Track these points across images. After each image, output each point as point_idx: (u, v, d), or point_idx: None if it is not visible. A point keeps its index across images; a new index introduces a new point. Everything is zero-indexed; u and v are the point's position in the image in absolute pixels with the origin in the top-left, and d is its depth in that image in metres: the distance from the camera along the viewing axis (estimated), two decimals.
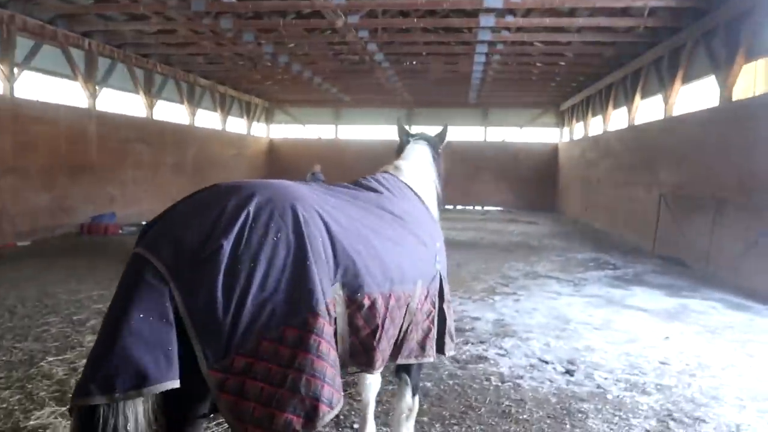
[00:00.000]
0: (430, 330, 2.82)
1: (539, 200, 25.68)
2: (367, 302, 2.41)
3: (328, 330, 2.14)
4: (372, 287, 2.43)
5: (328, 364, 2.09)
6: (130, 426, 1.93)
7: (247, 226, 2.07)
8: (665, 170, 13.02)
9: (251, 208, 2.12)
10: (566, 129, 25.11)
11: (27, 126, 12.22)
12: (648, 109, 15.42)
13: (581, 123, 22.19)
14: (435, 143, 3.88)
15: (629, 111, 16.09)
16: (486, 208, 26.34)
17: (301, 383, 2.02)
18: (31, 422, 3.84)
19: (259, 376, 1.99)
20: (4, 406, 4.12)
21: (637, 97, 15.59)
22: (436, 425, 4.05)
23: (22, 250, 11.22)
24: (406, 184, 3.30)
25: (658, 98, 14.00)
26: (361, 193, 2.90)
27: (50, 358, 5.09)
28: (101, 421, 1.90)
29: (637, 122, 15.67)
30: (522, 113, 26.65)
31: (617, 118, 17.81)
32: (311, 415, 2.03)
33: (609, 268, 10.92)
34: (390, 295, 2.53)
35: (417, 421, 4.06)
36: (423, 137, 3.86)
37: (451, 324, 2.95)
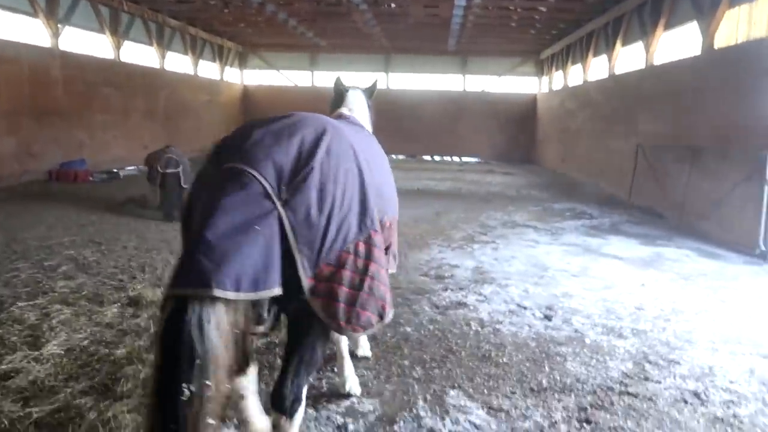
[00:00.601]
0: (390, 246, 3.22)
1: (518, 152, 25.70)
2: (387, 224, 2.89)
3: (380, 243, 2.51)
4: (389, 212, 2.97)
5: (385, 272, 2.54)
6: (215, 327, 2.02)
7: (326, 155, 2.37)
8: (644, 120, 13.05)
9: (327, 139, 2.41)
10: (545, 78, 24.93)
11: None
12: (628, 58, 15.32)
13: (560, 72, 22.02)
14: (369, 94, 4.43)
15: (609, 59, 15.96)
16: (464, 159, 26.30)
17: (374, 288, 2.42)
18: (3, 366, 3.76)
19: (344, 282, 2.34)
20: None
21: (618, 44, 15.44)
22: (417, 368, 4.08)
23: None
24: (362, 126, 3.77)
25: (639, 46, 13.89)
26: (359, 131, 3.37)
27: (21, 304, 4.97)
28: (195, 317, 1.99)
29: (618, 71, 15.58)
30: (501, 62, 26.31)
31: (597, 67, 17.69)
32: (381, 314, 2.47)
33: (586, 217, 11.03)
34: (394, 218, 3.13)
35: (398, 365, 4.10)
36: (359, 88, 4.33)
37: (395, 247, 3.31)
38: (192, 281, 2.02)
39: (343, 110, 4.00)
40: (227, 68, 25.67)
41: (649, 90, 12.86)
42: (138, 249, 7.21)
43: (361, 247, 2.41)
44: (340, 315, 2.34)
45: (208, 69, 24.04)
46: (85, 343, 4.23)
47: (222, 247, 2.05)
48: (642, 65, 13.53)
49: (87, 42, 16.01)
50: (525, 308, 5.49)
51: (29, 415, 3.18)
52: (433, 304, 5.54)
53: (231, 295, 2.02)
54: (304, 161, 2.31)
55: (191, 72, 22.07)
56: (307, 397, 3.57)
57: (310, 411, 3.43)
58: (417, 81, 27.06)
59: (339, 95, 4.23)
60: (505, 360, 4.27)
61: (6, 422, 3.08)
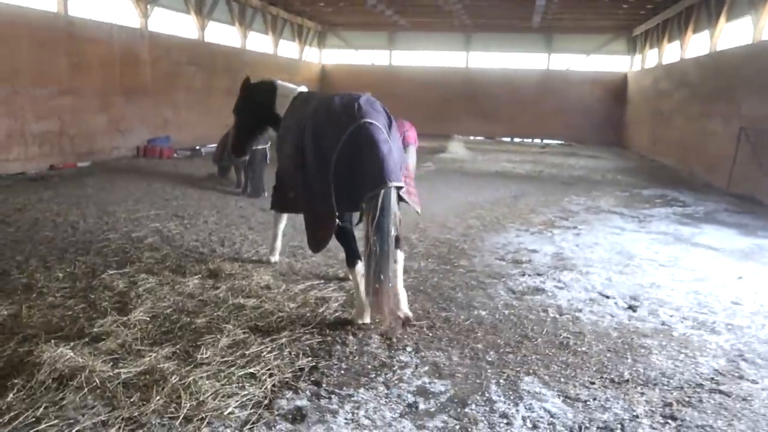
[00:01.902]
0: None
1: (604, 134, 24.65)
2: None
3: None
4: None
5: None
6: (396, 198, 4.20)
7: (388, 121, 4.40)
8: (748, 101, 12.14)
9: (387, 112, 4.49)
10: (638, 56, 23.68)
11: (81, 46, 12.40)
12: (733, 34, 14.26)
13: (655, 50, 20.84)
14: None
15: (711, 36, 14.93)
16: (545, 141, 25.55)
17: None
18: (95, 329, 4.05)
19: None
20: (70, 313, 4.36)
21: (722, 19, 14.40)
22: (491, 352, 4.04)
23: (83, 170, 11.67)
24: None
25: (747, 21, 12.89)
26: None
27: (111, 272, 5.32)
28: (394, 193, 4.11)
29: (720, 48, 14.56)
30: (590, 39, 25.21)
31: (696, 44, 16.60)
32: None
33: (678, 205, 10.48)
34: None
35: (471, 347, 4.08)
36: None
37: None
38: (393, 178, 4.01)
39: (302, 88, 5.42)
40: (306, 48, 26.12)
41: (756, 69, 11.93)
42: (218, 224, 7.53)
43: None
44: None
45: (288, 49, 24.56)
46: (169, 311, 4.49)
47: (390, 161, 4.09)
48: (749, 41, 12.56)
49: (173, 22, 16.74)
50: (607, 297, 5.30)
51: (118, 376, 3.41)
52: (509, 288, 5.46)
53: (399, 184, 4.11)
54: (388, 119, 4.42)
55: (271, 52, 22.62)
56: (377, 375, 3.63)
57: (381, 388, 3.48)
58: (498, 60, 26.46)
59: (269, 85, 5.42)
60: (584, 349, 4.15)
61: (98, 381, 3.32)
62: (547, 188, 12.14)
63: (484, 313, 4.81)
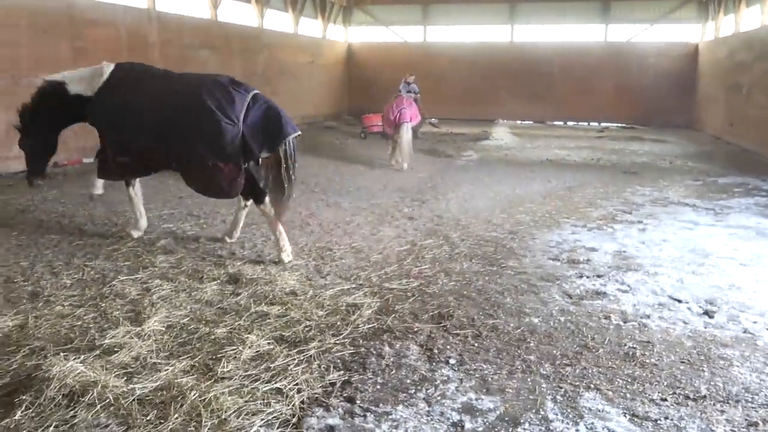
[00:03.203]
0: None
1: (671, 114, 24.12)
2: None
3: None
4: None
5: None
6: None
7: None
8: None
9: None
10: (710, 24, 23.10)
11: (84, 30, 12.71)
12: None
13: (731, 16, 20.29)
14: None
15: None
16: (603, 124, 25.14)
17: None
18: (107, 341, 4.16)
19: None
20: (80, 323, 4.50)
21: None
22: (545, 364, 4.02)
23: (88, 167, 11.96)
24: None
25: None
26: None
27: (122, 278, 5.46)
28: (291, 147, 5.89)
29: None
30: (653, 6, 24.67)
31: None
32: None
33: (760, 194, 10.22)
34: None
35: (523, 359, 4.06)
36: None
37: None
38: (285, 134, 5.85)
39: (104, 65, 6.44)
40: (330, 25, 26.24)
41: None
42: None
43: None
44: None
45: (310, 26, 24.70)
46: (186, 320, 4.59)
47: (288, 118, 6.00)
48: None
49: (183, 1, 17.01)
50: (679, 301, 5.21)
51: (132, 392, 3.50)
52: (564, 292, 5.42)
53: (294, 134, 5.99)
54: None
55: (291, 31, 22.80)
56: (417, 390, 3.65)
57: (422, 405, 3.50)
58: (547, 33, 26.11)
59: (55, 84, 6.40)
60: (653, 361, 4.09)
61: (111, 397, 3.41)
62: (607, 178, 11.97)
63: (536, 320, 4.78)
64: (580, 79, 24.87)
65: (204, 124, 5.64)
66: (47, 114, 6.43)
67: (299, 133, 5.97)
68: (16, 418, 3.23)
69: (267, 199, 6.08)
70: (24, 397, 3.39)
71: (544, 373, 3.92)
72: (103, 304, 4.85)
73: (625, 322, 4.75)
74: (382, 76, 24.20)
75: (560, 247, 6.90)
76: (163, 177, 10.71)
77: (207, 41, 17.17)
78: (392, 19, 27.49)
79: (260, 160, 6.00)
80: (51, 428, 3.15)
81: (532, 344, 4.33)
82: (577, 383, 3.78)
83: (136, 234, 6.82)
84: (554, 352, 4.22)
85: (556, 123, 25.77)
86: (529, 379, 3.83)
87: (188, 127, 5.73)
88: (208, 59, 17.19)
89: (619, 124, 24.82)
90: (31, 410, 3.30)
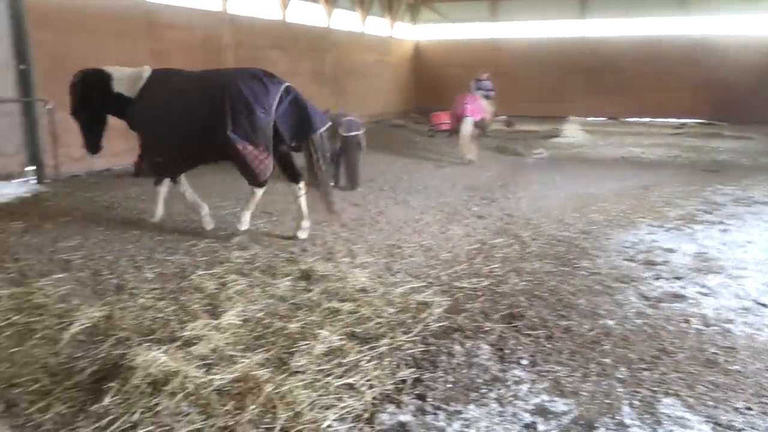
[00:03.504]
0: None
1: (755, 109, 22.95)
2: None
3: None
4: None
5: None
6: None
7: None
8: None
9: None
10: None
11: (162, 33, 13.21)
12: None
13: None
14: None
15: None
16: (681, 120, 24.20)
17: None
18: (187, 333, 4.33)
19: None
20: (161, 315, 4.70)
21: None
22: (622, 368, 3.93)
23: None
24: None
25: None
26: None
27: (200, 272, 5.67)
28: (321, 139, 6.67)
29: None
30: None
31: None
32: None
33: None
34: None
35: (597, 362, 3.99)
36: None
37: None
38: (314, 128, 6.51)
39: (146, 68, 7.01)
40: (398, 23, 26.31)
41: None
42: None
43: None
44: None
45: (377, 25, 24.85)
46: (260, 314, 4.72)
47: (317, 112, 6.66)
48: None
49: (254, 3, 17.41)
50: (765, 306, 4.99)
51: (211, 382, 3.63)
52: (641, 294, 5.27)
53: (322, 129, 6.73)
54: None
55: (359, 30, 23.00)
56: (489, 390, 3.64)
57: (493, 405, 3.49)
58: (621, 27, 25.33)
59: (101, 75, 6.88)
60: (737, 367, 3.94)
61: (191, 387, 3.55)
62: (685, 176, 11.56)
63: (611, 322, 4.67)
64: (656, 73, 24.01)
65: (241, 113, 6.11)
66: (91, 97, 6.88)
67: (329, 125, 6.61)
68: (105, 403, 3.41)
69: (302, 181, 6.78)
70: (111, 385, 3.56)
71: (620, 377, 3.83)
72: (183, 298, 5.05)
73: (706, 327, 4.59)
74: (449, 73, 24.12)
75: (636, 247, 6.72)
76: (236, 173, 11.05)
77: (277, 42, 17.54)
78: (460, 16, 27.29)
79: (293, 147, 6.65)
80: (136, 415, 3.31)
81: (607, 347, 4.24)
82: (656, 388, 3.68)
83: (153, 220, 7.46)
84: (631, 355, 4.12)
85: (630, 120, 24.99)
86: (604, 383, 3.75)
87: (226, 116, 6.13)
88: (278, 59, 17.55)
89: (698, 120, 23.84)
90: (118, 397, 3.47)
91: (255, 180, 6.56)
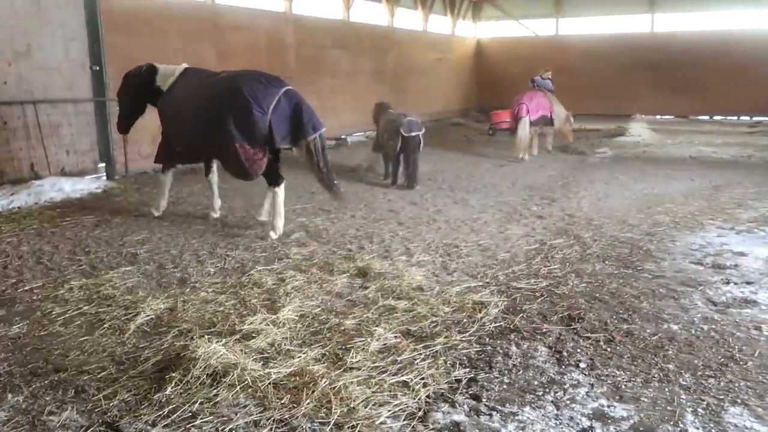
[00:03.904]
0: None
1: None
2: None
3: None
4: None
5: None
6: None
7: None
8: None
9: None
10: None
11: (227, 34, 13.53)
12: None
13: None
14: None
15: None
16: (756, 118, 23.16)
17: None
18: (246, 326, 4.43)
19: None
20: (221, 309, 4.82)
21: None
22: (686, 374, 3.80)
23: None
24: None
25: None
26: None
27: (259, 268, 5.79)
28: (318, 142, 6.78)
29: None
30: None
31: None
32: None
33: None
34: None
35: (660, 367, 3.87)
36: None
37: None
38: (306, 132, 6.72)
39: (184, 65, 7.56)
40: (459, 21, 26.16)
41: None
42: (366, 219, 7.85)
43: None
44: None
45: (439, 23, 24.78)
46: (317, 310, 4.78)
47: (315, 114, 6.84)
48: None
49: (317, 3, 17.64)
50: None
51: (268, 375, 3.70)
52: (708, 299, 5.08)
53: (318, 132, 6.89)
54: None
55: (420, 28, 22.98)
56: (546, 393, 3.57)
57: (550, 408, 3.43)
58: (692, 22, 24.43)
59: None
60: None
61: (249, 379, 3.63)
62: (759, 177, 11.05)
63: (676, 327, 4.52)
64: (730, 70, 23.01)
65: (239, 111, 6.41)
66: (138, 87, 7.54)
67: (324, 129, 6.74)
68: (167, 393, 3.52)
69: (282, 184, 6.96)
70: (173, 375, 3.68)
71: (684, 383, 3.70)
72: (242, 292, 5.16)
73: None
74: (511, 71, 23.79)
75: (704, 250, 6.47)
76: (296, 174, 11.25)
77: (339, 41, 17.69)
78: (523, 12, 26.88)
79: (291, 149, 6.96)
80: (197, 405, 3.40)
81: (670, 352, 4.10)
82: (722, 396, 3.54)
83: (156, 213, 7.77)
84: (696, 362, 3.97)
85: (700, 118, 24.09)
86: (666, 389, 3.63)
87: (227, 113, 6.47)
88: (339, 59, 17.73)
89: None
90: (179, 387, 3.58)
91: (246, 177, 6.85)
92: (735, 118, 23.67)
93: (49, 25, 9.56)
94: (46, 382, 3.71)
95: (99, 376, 3.78)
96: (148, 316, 4.67)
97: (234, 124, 6.43)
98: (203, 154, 7.33)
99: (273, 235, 6.81)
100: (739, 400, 3.50)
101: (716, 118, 23.93)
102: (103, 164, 10.68)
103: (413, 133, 9.71)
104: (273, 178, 6.95)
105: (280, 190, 6.90)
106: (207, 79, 7.07)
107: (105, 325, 4.53)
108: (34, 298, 5.08)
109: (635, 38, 24.69)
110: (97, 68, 10.38)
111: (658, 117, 24.04)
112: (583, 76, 23.65)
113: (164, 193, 7.82)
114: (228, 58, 13.48)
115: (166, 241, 6.74)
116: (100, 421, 3.30)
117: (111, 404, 3.46)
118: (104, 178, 10.49)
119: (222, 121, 6.49)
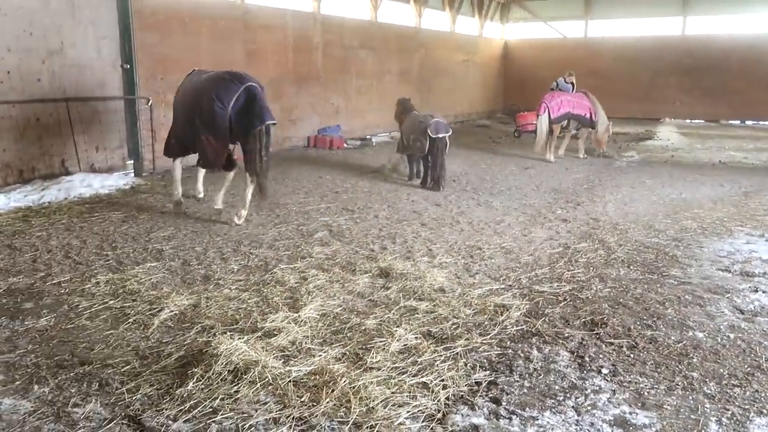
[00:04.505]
0: None
1: None
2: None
3: None
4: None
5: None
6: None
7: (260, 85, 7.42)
8: None
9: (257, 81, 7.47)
10: None
11: (256, 34, 13.63)
12: None
13: None
14: None
15: None
16: None
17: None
18: (267, 324, 4.46)
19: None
20: (244, 306, 4.85)
21: None
22: (710, 383, 3.73)
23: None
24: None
25: None
26: None
27: (282, 266, 5.82)
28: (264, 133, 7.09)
29: None
30: None
31: None
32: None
33: None
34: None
35: (684, 375, 3.81)
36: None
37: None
38: (268, 119, 7.11)
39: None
40: (487, 23, 26.03)
41: None
42: (389, 219, 7.84)
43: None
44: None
45: (466, 25, 24.68)
46: (338, 310, 4.79)
47: (266, 108, 7.17)
48: None
49: (346, 4, 17.69)
50: None
51: (289, 373, 3.72)
52: (735, 307, 4.98)
53: (272, 122, 7.25)
54: (259, 85, 7.40)
55: (448, 29, 22.92)
56: (566, 398, 3.53)
57: (570, 414, 3.39)
58: (725, 25, 23.98)
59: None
60: None
61: (270, 377, 3.66)
62: None
63: (701, 334, 4.44)
64: (763, 74, 22.58)
65: (205, 107, 7.02)
66: None
67: (275, 122, 7.21)
68: (189, 388, 3.56)
69: (233, 171, 7.77)
70: (195, 370, 3.72)
71: (709, 392, 3.63)
72: (265, 290, 5.19)
73: None
74: (538, 73, 23.61)
75: (732, 257, 6.35)
76: (321, 171, 11.29)
77: (366, 42, 17.72)
78: (552, 14, 26.66)
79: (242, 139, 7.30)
80: (218, 400, 3.43)
81: (695, 360, 4.03)
82: (747, 406, 3.47)
83: (174, 199, 8.18)
84: (721, 370, 3.90)
85: (731, 122, 23.66)
86: (690, 397, 3.57)
87: (198, 110, 7.12)
88: (366, 59, 17.76)
89: None
90: (201, 382, 3.61)
91: (211, 167, 7.67)
92: (767, 123, 23.19)
93: (81, 24, 9.72)
94: (71, 374, 3.77)
95: (123, 369, 3.83)
96: (172, 311, 4.72)
97: (202, 118, 7.08)
98: (189, 146, 7.74)
99: (237, 221, 7.36)
100: (765, 411, 3.43)
101: (748, 123, 23.49)
102: (132, 161, 10.83)
103: (440, 135, 9.69)
104: (228, 166, 7.66)
105: (230, 175, 7.82)
106: (194, 80, 7.71)
107: (130, 320, 4.60)
108: (62, 291, 5.17)
109: (666, 41, 24.33)
110: (128, 66, 10.52)
111: (688, 121, 23.66)
112: (612, 78, 23.38)
113: (175, 179, 8.16)
114: (256, 57, 13.58)
115: (191, 238, 6.81)
116: (123, 414, 3.35)
117: (134, 398, 3.50)
118: (132, 174, 10.63)
119: (194, 117, 7.19)
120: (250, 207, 7.54)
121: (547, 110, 13.22)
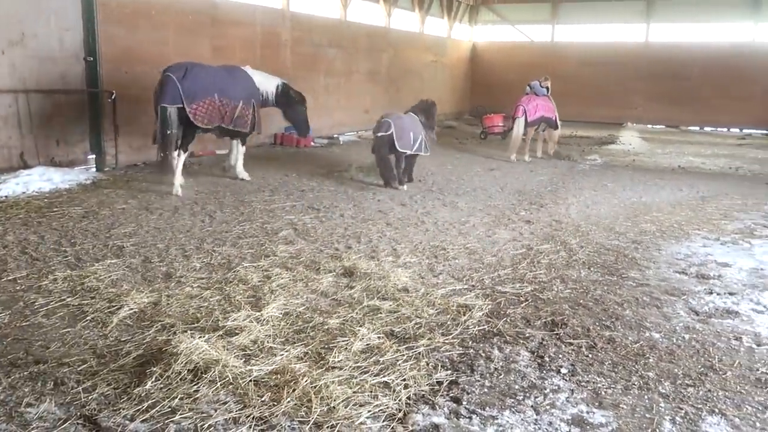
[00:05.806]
0: None
1: None
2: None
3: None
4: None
5: None
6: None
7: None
8: None
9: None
10: None
11: (224, 29, 13.47)
12: None
13: None
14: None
15: None
16: (746, 131, 23.30)
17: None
18: (229, 323, 4.41)
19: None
20: (206, 304, 4.79)
21: None
22: (665, 383, 3.81)
23: (221, 158, 12.68)
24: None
25: None
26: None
27: (246, 264, 5.76)
28: (166, 113, 8.40)
29: None
30: None
31: None
32: None
33: None
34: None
35: (640, 375, 3.88)
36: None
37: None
38: (169, 101, 8.52)
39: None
40: (456, 24, 26.16)
41: None
42: (354, 218, 7.83)
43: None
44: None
45: (435, 26, 24.77)
46: (302, 309, 4.76)
47: (168, 92, 8.48)
48: None
49: (315, 1, 17.59)
50: None
51: (250, 373, 3.69)
52: (691, 308, 5.10)
53: (177, 105, 8.59)
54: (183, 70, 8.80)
55: (417, 30, 22.97)
56: (526, 397, 3.57)
57: (529, 413, 3.42)
58: (687, 33, 24.53)
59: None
60: None
61: (230, 376, 3.61)
62: (746, 189, 11.12)
63: (657, 335, 4.54)
64: (723, 82, 23.12)
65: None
66: None
67: (179, 106, 8.31)
68: (147, 387, 3.49)
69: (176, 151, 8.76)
70: (154, 369, 3.66)
71: (664, 391, 3.71)
72: (228, 288, 5.13)
73: (758, 346, 4.40)
74: (506, 76, 23.85)
75: (688, 260, 6.50)
76: (286, 169, 11.22)
77: (335, 40, 17.65)
78: (519, 17, 26.93)
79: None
80: (176, 400, 3.38)
81: (651, 360, 4.12)
82: (700, 405, 3.55)
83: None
84: (676, 370, 3.98)
85: (691, 128, 24.22)
86: (646, 397, 3.64)
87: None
88: (335, 57, 17.68)
89: (765, 131, 22.91)
90: (160, 382, 3.55)
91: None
92: (725, 129, 23.81)
93: (44, 14, 9.47)
94: (25, 373, 3.67)
95: (79, 368, 3.75)
96: (131, 309, 4.64)
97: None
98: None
99: (175, 192, 8.58)
100: (716, 410, 3.51)
101: (707, 129, 24.07)
102: (93, 156, 10.60)
103: (380, 134, 9.74)
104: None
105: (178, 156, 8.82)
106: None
107: (88, 318, 4.50)
108: (17, 288, 5.04)
109: (630, 47, 24.78)
110: (92, 59, 10.29)
111: (649, 126, 24.15)
112: (576, 83, 23.69)
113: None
114: (224, 52, 13.40)
115: (153, 235, 6.69)
116: (79, 414, 3.28)
117: (90, 397, 3.43)
118: (94, 169, 10.41)
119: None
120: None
121: (524, 113, 13.40)
